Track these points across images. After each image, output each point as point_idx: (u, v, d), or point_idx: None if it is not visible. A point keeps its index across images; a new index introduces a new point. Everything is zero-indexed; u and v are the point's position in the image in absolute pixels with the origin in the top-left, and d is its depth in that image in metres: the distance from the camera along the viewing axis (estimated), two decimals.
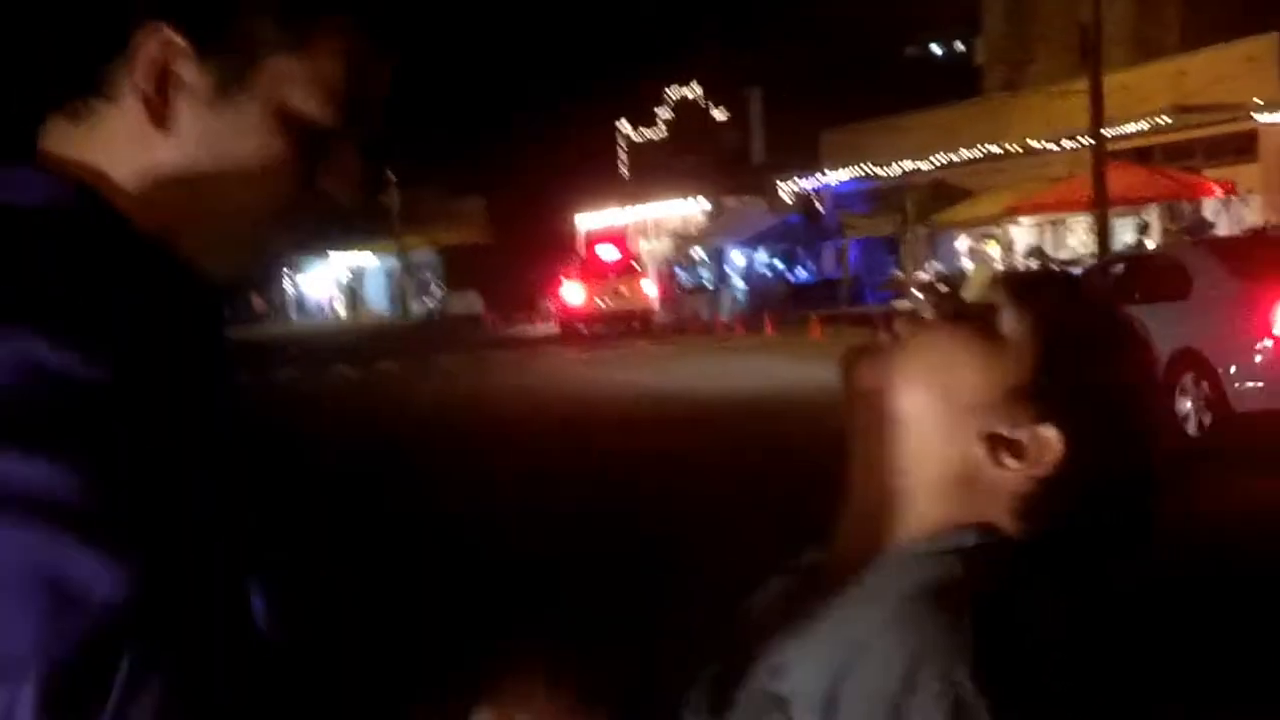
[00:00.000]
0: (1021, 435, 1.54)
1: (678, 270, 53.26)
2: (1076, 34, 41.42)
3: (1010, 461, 1.54)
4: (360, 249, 77.09)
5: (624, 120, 66.74)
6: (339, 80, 1.50)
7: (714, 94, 63.15)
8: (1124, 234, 37.60)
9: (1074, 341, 1.57)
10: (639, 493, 13.62)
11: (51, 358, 1.28)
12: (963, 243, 41.33)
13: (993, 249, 39.38)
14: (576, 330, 47.09)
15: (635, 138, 66.51)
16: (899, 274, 45.10)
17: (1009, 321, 1.57)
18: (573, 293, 48.70)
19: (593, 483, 14.29)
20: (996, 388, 1.55)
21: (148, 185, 1.48)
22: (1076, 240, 38.57)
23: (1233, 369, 15.65)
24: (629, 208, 63.50)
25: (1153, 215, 37.85)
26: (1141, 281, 17.99)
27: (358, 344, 46.77)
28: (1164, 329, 14.15)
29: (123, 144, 1.48)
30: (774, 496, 11.75)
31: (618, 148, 67.14)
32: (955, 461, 1.56)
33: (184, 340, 1.45)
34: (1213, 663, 7.48)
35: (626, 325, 46.47)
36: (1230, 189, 36.04)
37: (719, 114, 63.09)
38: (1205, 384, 15.84)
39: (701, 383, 26.33)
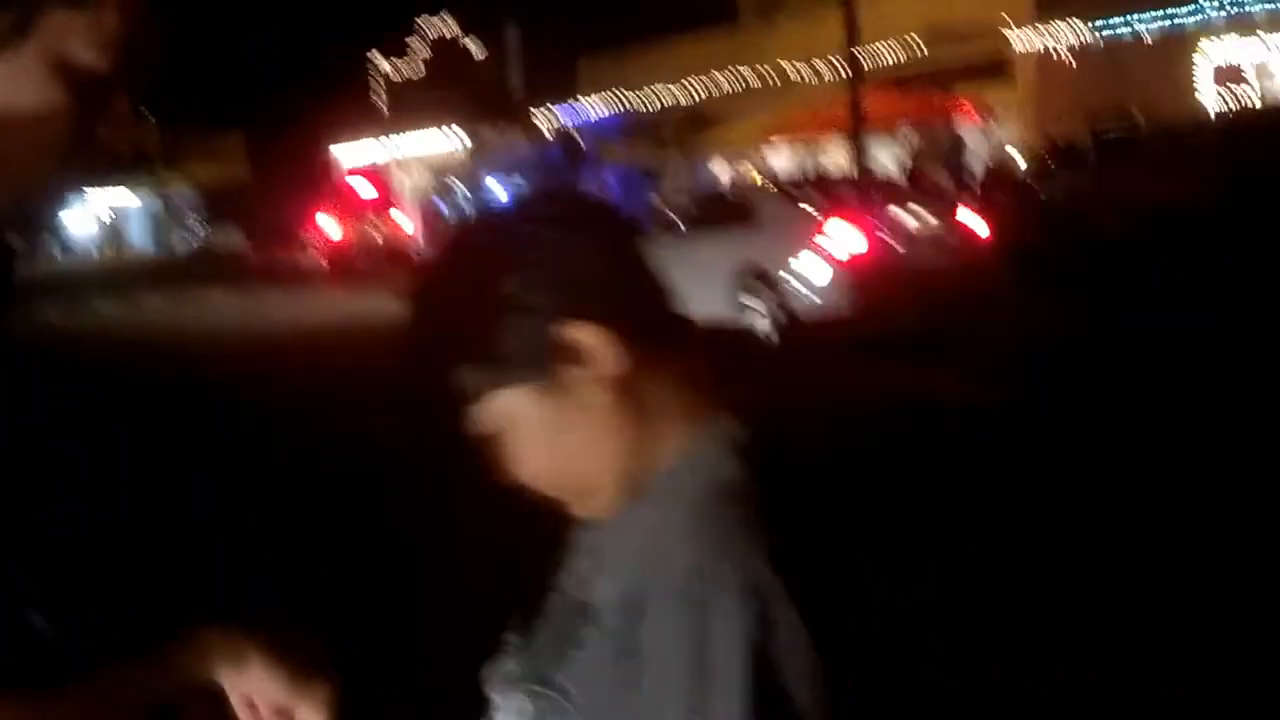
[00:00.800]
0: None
1: (438, 203, 52.07)
2: None
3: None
4: (120, 186, 77.32)
5: (378, 54, 65.74)
6: (115, 31, 1.54)
7: (470, 27, 62.18)
8: (880, 155, 36.84)
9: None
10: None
11: None
12: (721, 167, 40.53)
13: (750, 172, 38.77)
14: (339, 264, 46.29)
15: (391, 72, 65.61)
16: (659, 199, 44.33)
17: None
18: (330, 227, 48.69)
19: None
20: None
21: None
22: (831, 163, 37.72)
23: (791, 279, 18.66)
24: (387, 141, 61.88)
25: (908, 137, 37.04)
26: (716, 213, 21.62)
27: (121, 281, 47.10)
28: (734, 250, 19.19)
29: None
30: None
31: (373, 80, 65.80)
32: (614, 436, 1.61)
33: None
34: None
35: (387, 259, 45.16)
36: (987, 113, 35.25)
37: (476, 48, 62.20)
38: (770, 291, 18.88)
39: None
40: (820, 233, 18.85)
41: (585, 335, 1.56)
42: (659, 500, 1.57)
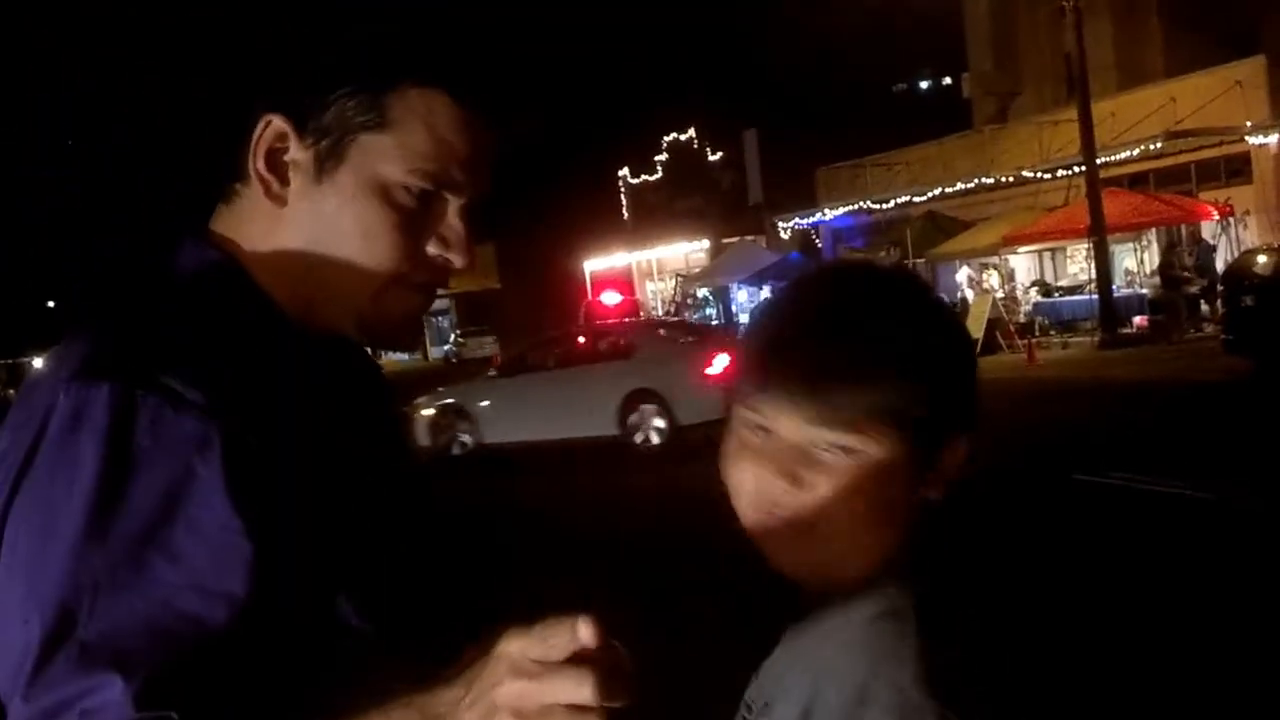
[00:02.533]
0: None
1: (684, 310, 52.53)
2: (1062, 64, 40.63)
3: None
4: None
5: (625, 169, 66.42)
6: (425, 147, 1.59)
7: (709, 136, 62.66)
8: (1124, 259, 36.56)
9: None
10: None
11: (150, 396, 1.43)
12: (962, 273, 40.35)
13: (993, 278, 38.47)
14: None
15: (636, 183, 66.19)
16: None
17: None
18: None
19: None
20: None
21: (276, 257, 1.62)
22: (1076, 267, 37.43)
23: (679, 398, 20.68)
24: (633, 252, 62.63)
25: (1152, 240, 36.63)
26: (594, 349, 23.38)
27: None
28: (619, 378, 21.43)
29: (253, 221, 1.63)
30: None
31: (619, 193, 66.48)
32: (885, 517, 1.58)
33: (284, 384, 1.54)
34: None
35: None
36: (1227, 211, 34.59)
37: (715, 157, 62.57)
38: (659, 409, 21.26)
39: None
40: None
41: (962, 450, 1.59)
42: (836, 615, 1.57)
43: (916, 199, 44.39)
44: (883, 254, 43.20)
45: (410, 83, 1.60)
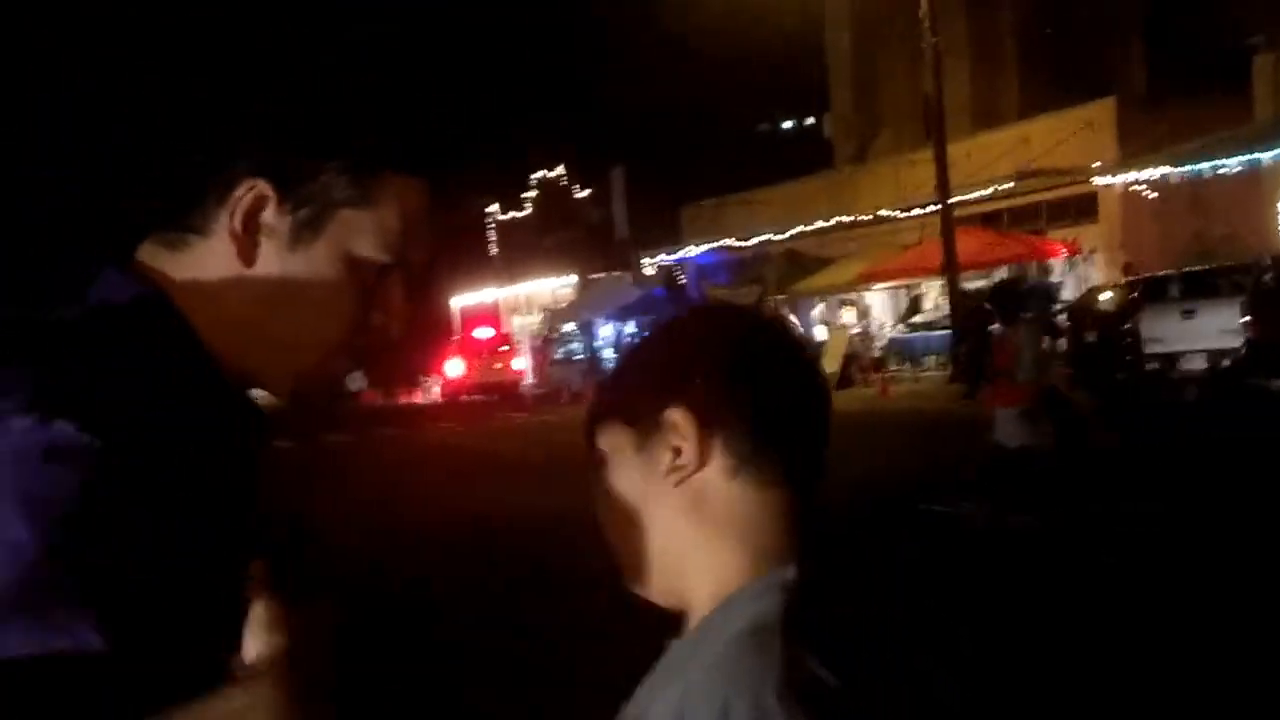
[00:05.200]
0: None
1: (549, 344, 52.74)
2: (920, 105, 41.38)
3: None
4: None
5: (495, 205, 66.44)
6: (396, 226, 1.66)
7: (578, 173, 62.94)
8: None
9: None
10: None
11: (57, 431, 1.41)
12: (818, 310, 40.95)
13: (849, 315, 39.10)
14: (456, 402, 48.42)
15: (502, 215, 66.29)
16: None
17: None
18: (453, 368, 51.48)
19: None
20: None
21: (224, 309, 1.63)
22: (929, 304, 38.14)
23: None
24: (501, 287, 62.93)
25: (1003, 277, 37.35)
26: None
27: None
28: None
29: (209, 272, 1.63)
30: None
31: (487, 228, 66.52)
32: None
33: (199, 431, 1.55)
34: None
35: (500, 395, 47.93)
36: (1075, 249, 35.46)
37: (583, 193, 62.85)
38: None
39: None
40: None
41: (679, 419, 1.61)
42: (705, 631, 1.60)
43: (777, 236, 45.06)
44: (744, 290, 43.69)
45: (389, 171, 1.66)
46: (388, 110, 1.71)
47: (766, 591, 1.57)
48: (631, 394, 1.67)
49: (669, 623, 1.68)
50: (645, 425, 1.63)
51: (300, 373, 1.70)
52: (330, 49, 1.74)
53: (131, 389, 1.50)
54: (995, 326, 16.35)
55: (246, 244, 1.62)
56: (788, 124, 63.00)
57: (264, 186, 1.61)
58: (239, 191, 1.61)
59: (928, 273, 36.11)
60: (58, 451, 1.40)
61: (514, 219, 65.88)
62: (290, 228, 1.63)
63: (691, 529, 1.63)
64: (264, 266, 1.63)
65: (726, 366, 1.63)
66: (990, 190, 36.50)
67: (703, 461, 1.61)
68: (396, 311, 1.71)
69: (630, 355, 1.74)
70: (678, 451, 1.61)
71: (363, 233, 1.64)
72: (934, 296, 37.73)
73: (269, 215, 1.62)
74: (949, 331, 33.52)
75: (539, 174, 64.69)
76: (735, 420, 1.61)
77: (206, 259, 1.63)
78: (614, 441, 1.67)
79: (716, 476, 1.62)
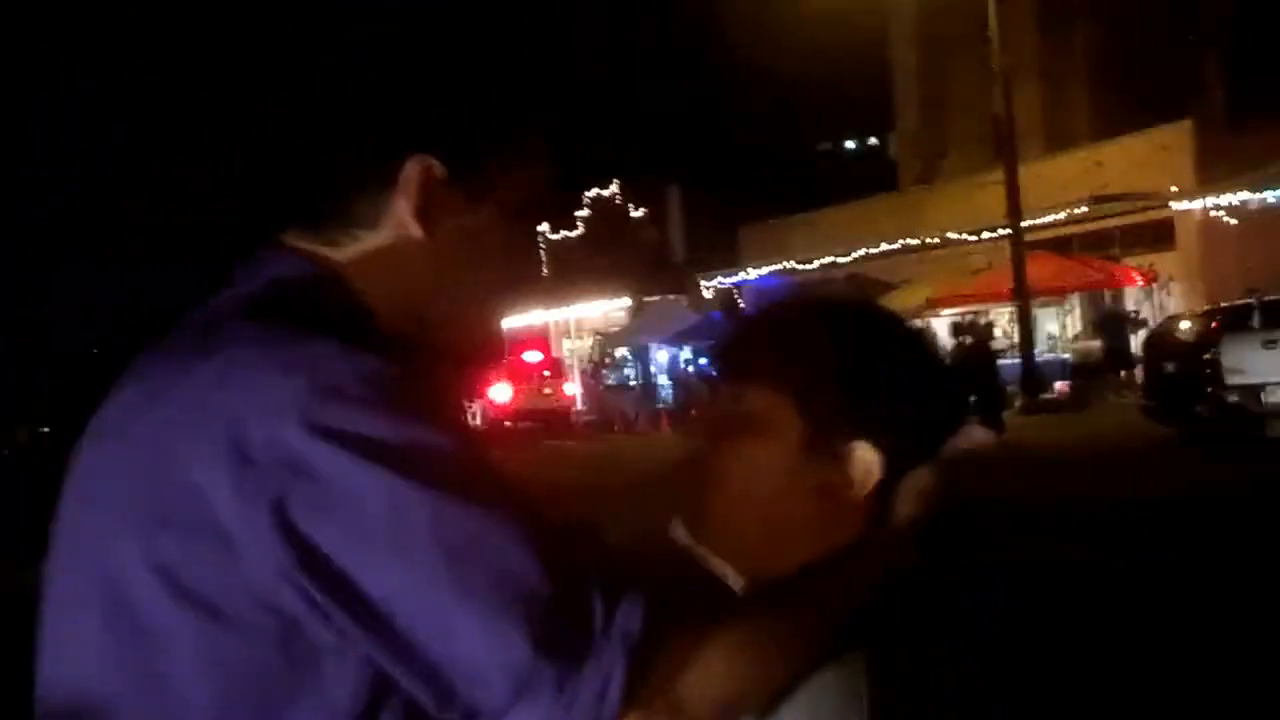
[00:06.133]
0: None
1: (601, 369, 52.53)
2: (988, 127, 41.04)
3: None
4: None
5: (545, 224, 66.28)
6: (545, 169, 1.81)
7: (632, 193, 62.84)
8: (1047, 323, 36.91)
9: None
10: None
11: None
12: None
13: None
14: (501, 428, 47.20)
15: (555, 239, 66.13)
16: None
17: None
18: (499, 393, 49.71)
19: None
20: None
21: (401, 285, 1.71)
22: (999, 331, 37.72)
23: None
24: (550, 309, 62.64)
25: (1075, 304, 37.06)
26: None
27: None
28: None
29: (385, 255, 1.70)
30: None
31: (539, 249, 66.31)
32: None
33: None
34: None
35: (547, 424, 46.63)
36: (1151, 277, 34.98)
37: (637, 213, 62.69)
38: None
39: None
40: None
41: (870, 461, 1.69)
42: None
43: (840, 259, 44.59)
44: None
45: (534, 121, 1.82)
46: (528, 81, 1.83)
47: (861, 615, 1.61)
48: (815, 388, 1.70)
49: None
50: (822, 433, 1.68)
51: (488, 328, 1.84)
52: (479, 31, 1.84)
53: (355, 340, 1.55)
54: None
55: (424, 223, 1.69)
56: (851, 144, 62.85)
57: (432, 161, 1.69)
58: (407, 171, 1.68)
59: (997, 299, 35.62)
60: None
61: (565, 238, 65.79)
62: (461, 195, 1.71)
63: (819, 535, 1.66)
64: (442, 236, 1.70)
65: (914, 422, 1.70)
66: (1063, 214, 36.05)
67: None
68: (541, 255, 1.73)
69: (818, 337, 1.75)
70: (849, 483, 1.68)
71: (522, 181, 1.77)
72: (1004, 324, 37.29)
73: (441, 190, 1.70)
74: (1018, 360, 33.16)
75: (592, 192, 64.60)
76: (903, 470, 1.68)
77: (377, 243, 1.70)
78: (773, 411, 1.71)
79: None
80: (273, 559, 1.46)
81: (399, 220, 1.68)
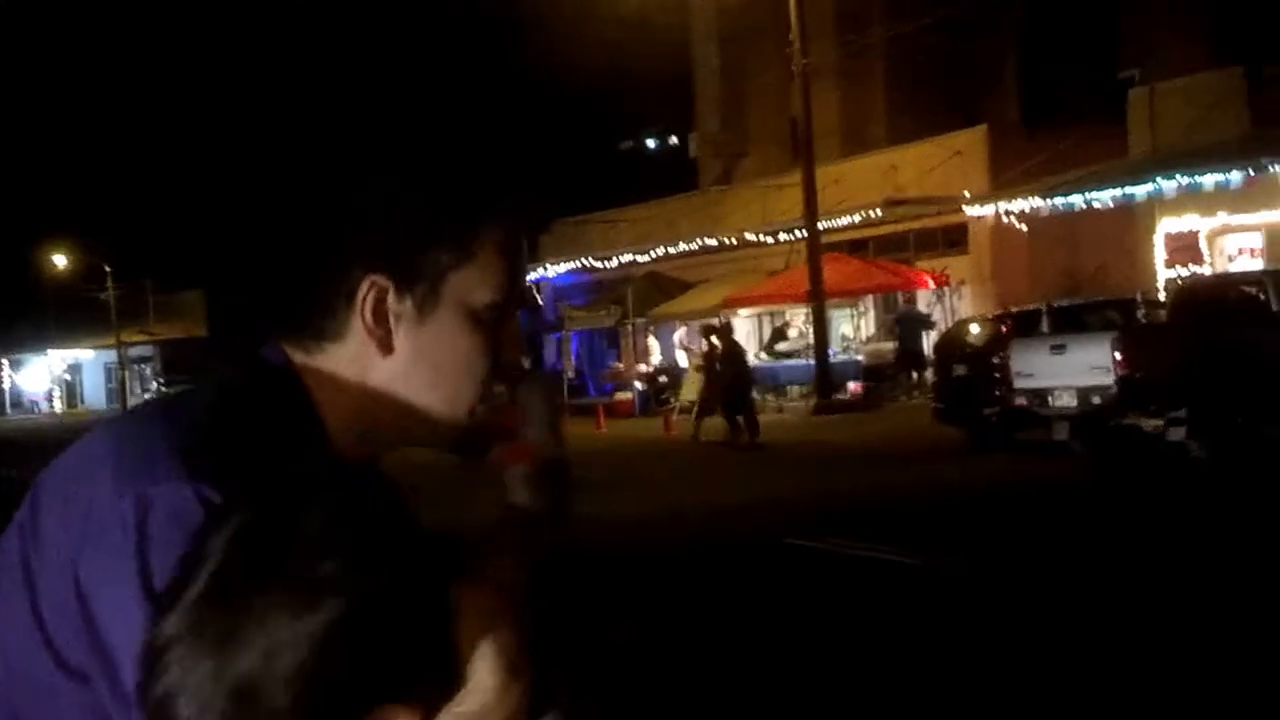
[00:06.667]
0: None
1: None
2: (788, 128, 41.46)
3: None
4: (78, 345, 79.21)
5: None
6: (500, 265, 1.81)
7: None
8: (842, 325, 37.41)
9: None
10: None
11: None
12: (679, 334, 40.84)
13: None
14: None
15: None
16: (619, 365, 44.45)
17: None
18: None
19: None
20: None
21: (366, 394, 1.79)
22: (794, 332, 38.11)
23: None
24: None
25: (869, 306, 37.65)
26: None
27: (73, 439, 45.15)
28: None
29: (350, 364, 1.79)
30: None
31: None
32: None
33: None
34: None
35: None
36: (943, 280, 35.55)
37: None
38: None
39: None
40: None
41: None
42: None
43: (639, 258, 44.87)
44: (603, 312, 43.53)
45: (484, 221, 1.82)
46: (471, 174, 1.86)
47: None
48: None
49: None
50: None
51: (458, 425, 1.86)
52: (410, 136, 1.89)
53: (261, 455, 1.58)
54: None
55: (381, 335, 1.77)
56: (652, 142, 62.96)
57: (381, 280, 1.76)
58: (362, 291, 1.76)
59: (793, 300, 36.01)
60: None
61: None
62: (413, 306, 1.78)
63: None
64: (400, 347, 1.79)
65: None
66: (859, 217, 36.52)
67: None
68: (514, 339, 1.88)
69: None
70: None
71: (475, 285, 1.80)
72: (799, 324, 37.66)
73: (392, 302, 1.77)
74: (812, 361, 33.54)
75: None
76: None
77: (344, 354, 1.79)
78: None
79: None
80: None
81: (361, 336, 1.77)
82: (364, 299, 1.76)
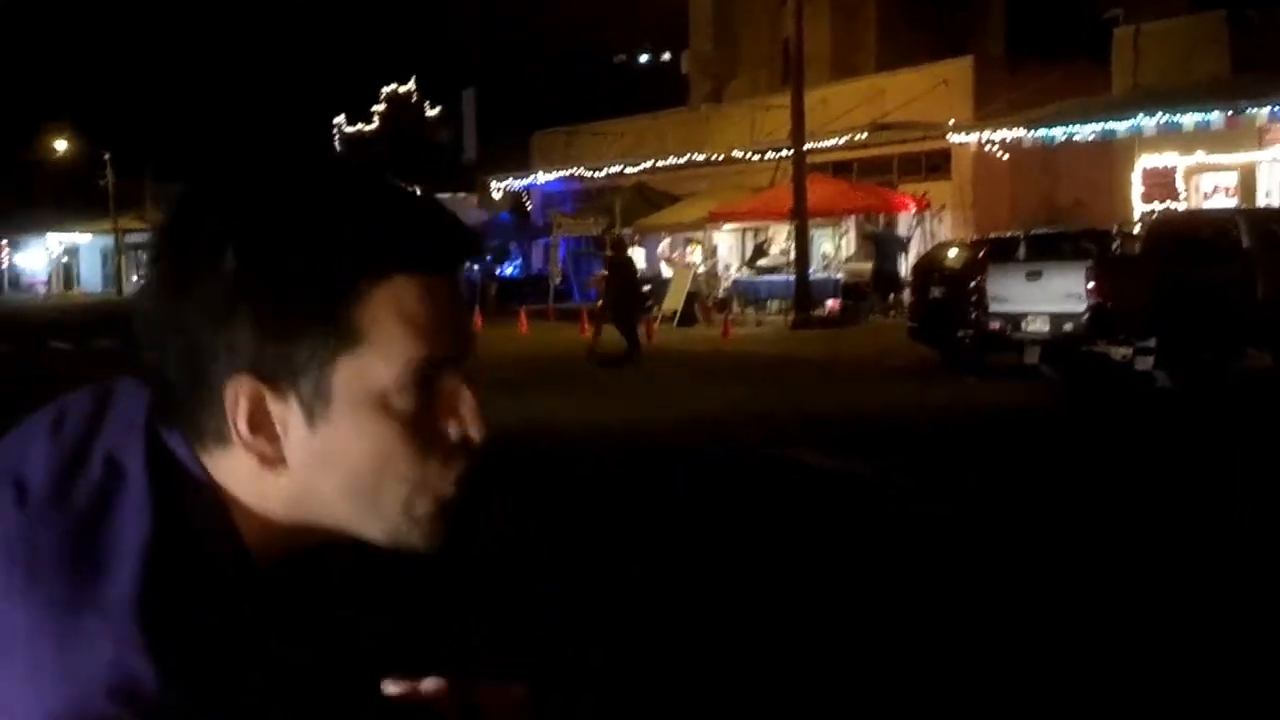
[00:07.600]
0: None
1: None
2: (779, 51, 41.30)
3: None
4: (76, 229, 79.37)
5: (341, 116, 65.45)
6: (400, 333, 1.38)
7: (429, 92, 62.20)
8: (823, 243, 37.43)
9: None
10: None
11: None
12: (664, 245, 40.82)
13: (696, 253, 39.01)
14: None
15: (351, 131, 65.24)
16: (604, 273, 44.43)
17: None
18: None
19: None
20: None
21: (267, 508, 1.44)
22: (777, 248, 38.09)
23: None
24: None
25: (850, 227, 37.66)
26: None
27: (72, 320, 45.41)
28: None
29: (243, 478, 1.42)
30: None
31: (333, 140, 65.53)
32: None
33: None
34: None
35: None
36: (924, 204, 35.59)
37: (433, 111, 62.14)
38: None
39: None
40: None
41: None
42: None
43: (628, 169, 44.79)
44: (590, 221, 43.47)
45: (364, 284, 1.36)
46: (329, 231, 1.37)
47: None
48: None
49: None
50: None
51: (396, 530, 1.46)
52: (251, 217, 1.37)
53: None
54: None
55: (262, 449, 1.40)
56: (645, 58, 62.74)
57: (249, 383, 1.37)
58: (228, 401, 1.38)
59: (777, 217, 35.94)
60: None
61: (360, 131, 65.00)
62: (299, 408, 1.39)
63: None
64: (294, 459, 1.41)
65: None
66: (844, 139, 36.47)
67: None
68: (468, 412, 1.43)
69: None
70: None
71: (375, 364, 1.38)
72: (781, 241, 37.65)
73: (273, 406, 1.39)
74: (792, 277, 33.54)
75: (389, 88, 63.84)
76: None
77: (238, 467, 1.42)
78: None
79: None
80: None
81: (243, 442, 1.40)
82: (234, 406, 1.38)
